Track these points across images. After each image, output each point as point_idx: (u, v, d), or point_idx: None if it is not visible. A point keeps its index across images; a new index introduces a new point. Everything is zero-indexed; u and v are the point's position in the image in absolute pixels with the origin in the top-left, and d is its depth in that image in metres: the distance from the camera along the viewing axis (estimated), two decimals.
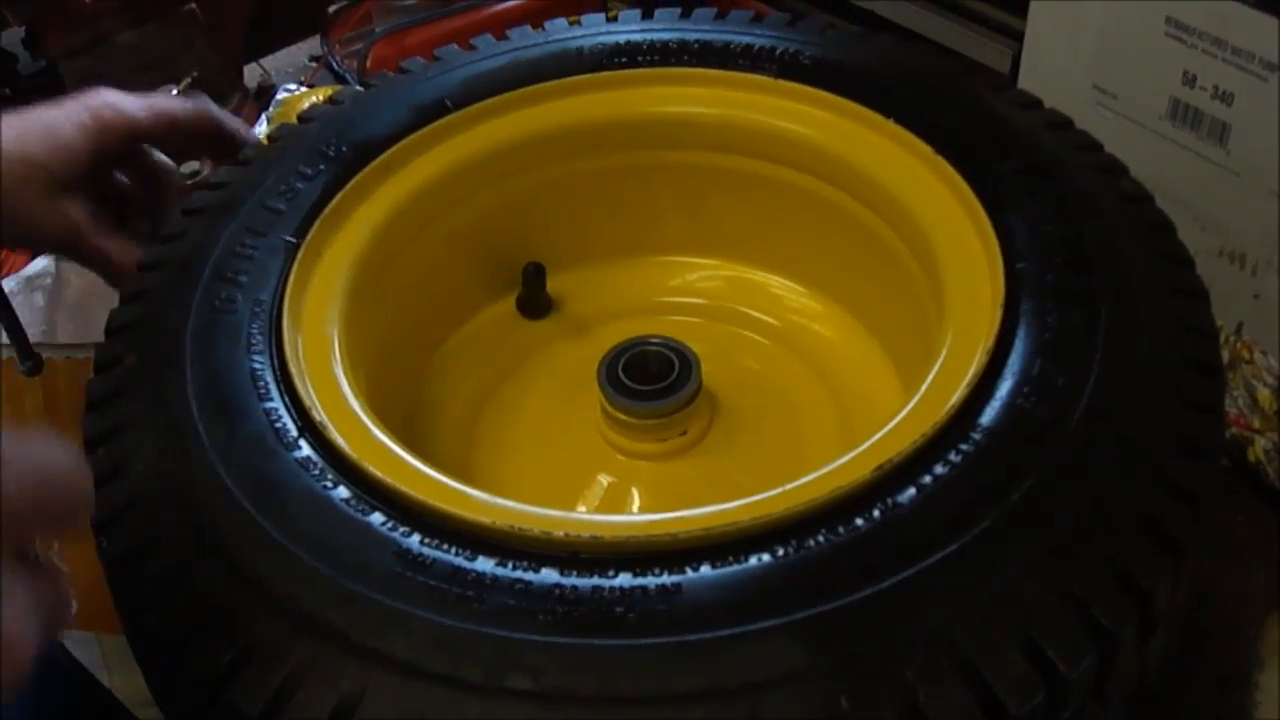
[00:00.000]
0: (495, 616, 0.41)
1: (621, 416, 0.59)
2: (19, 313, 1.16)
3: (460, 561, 0.43)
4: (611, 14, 0.72)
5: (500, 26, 1.06)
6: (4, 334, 1.22)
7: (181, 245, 0.59)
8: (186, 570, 0.44)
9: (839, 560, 0.43)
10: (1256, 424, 0.73)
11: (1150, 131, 0.78)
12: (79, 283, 1.46)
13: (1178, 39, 0.74)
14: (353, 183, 0.61)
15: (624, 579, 0.42)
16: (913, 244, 0.59)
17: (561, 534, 0.44)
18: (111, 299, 1.56)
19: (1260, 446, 0.72)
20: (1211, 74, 0.73)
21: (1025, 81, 0.84)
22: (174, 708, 0.47)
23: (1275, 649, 0.60)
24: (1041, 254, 0.54)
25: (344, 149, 0.63)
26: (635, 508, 0.60)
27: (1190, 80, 0.75)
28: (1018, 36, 0.88)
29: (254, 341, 0.53)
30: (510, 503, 0.46)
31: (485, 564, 0.43)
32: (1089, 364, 0.49)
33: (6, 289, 1.31)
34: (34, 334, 1.29)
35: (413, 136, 0.64)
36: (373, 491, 0.46)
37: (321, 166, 0.62)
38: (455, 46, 0.72)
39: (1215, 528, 0.69)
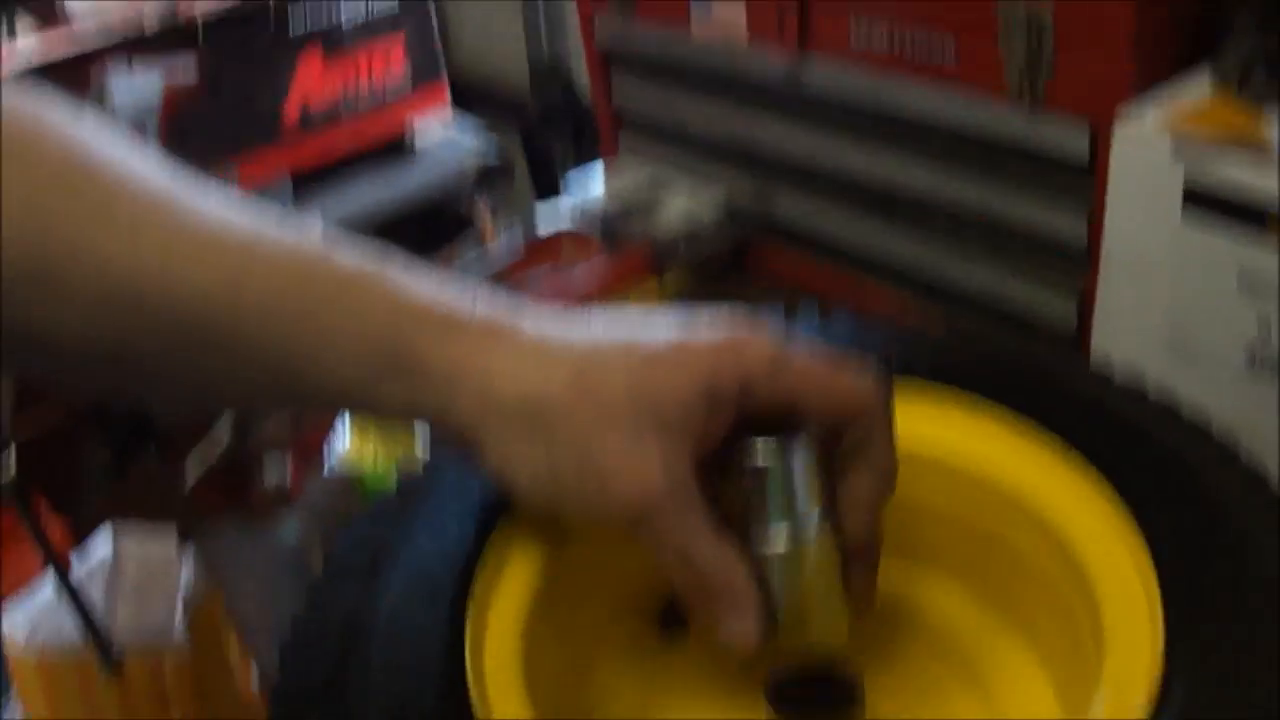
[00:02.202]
0: None
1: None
2: None
3: None
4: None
5: (570, 300, 1.10)
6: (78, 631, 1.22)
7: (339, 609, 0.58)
8: None
9: None
10: None
11: (1229, 383, 0.81)
12: (135, 571, 1.46)
13: (1252, 292, 0.77)
14: (503, 530, 0.61)
15: None
16: (1066, 561, 0.60)
17: None
18: (171, 588, 1.56)
19: None
20: None
21: (1098, 342, 0.88)
22: None
23: None
24: (1187, 555, 0.56)
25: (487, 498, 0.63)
26: None
27: (1266, 330, 0.78)
28: (1081, 295, 0.92)
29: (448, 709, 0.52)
30: None
31: None
32: (1246, 673, 0.50)
33: None
34: None
35: None
36: None
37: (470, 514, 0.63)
38: None
39: None
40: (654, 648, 0.68)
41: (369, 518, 0.64)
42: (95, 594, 1.43)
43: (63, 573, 1.17)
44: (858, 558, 0.58)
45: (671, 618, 0.68)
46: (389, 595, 0.59)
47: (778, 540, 0.55)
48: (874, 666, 0.64)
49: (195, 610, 1.28)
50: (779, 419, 0.54)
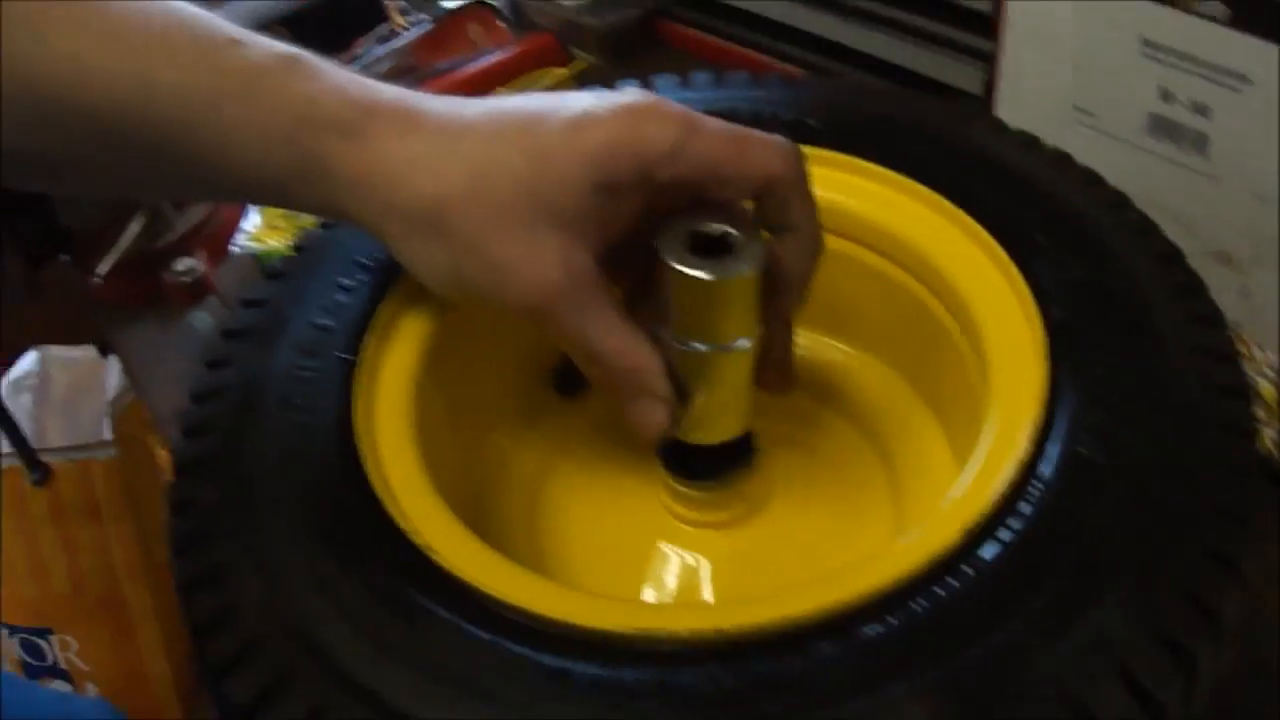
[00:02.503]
0: None
1: (683, 490, 0.62)
2: None
3: (598, 671, 0.45)
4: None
5: (471, 91, 1.08)
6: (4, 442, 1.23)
7: (233, 371, 0.60)
8: (325, 713, 0.45)
9: (945, 622, 0.45)
10: (1262, 416, 0.76)
11: (1131, 146, 0.81)
12: (65, 380, 1.46)
13: (1153, 58, 0.77)
14: (394, 292, 0.61)
15: (761, 666, 0.44)
16: (944, 296, 0.61)
17: (687, 631, 0.46)
18: (99, 395, 1.56)
19: (1268, 438, 0.75)
20: (1187, 89, 0.77)
21: (1003, 104, 0.88)
22: None
23: None
24: (1070, 299, 0.57)
25: (381, 257, 0.64)
26: (707, 577, 0.62)
27: (1168, 96, 0.78)
28: (987, 58, 0.92)
29: (335, 469, 0.54)
30: (630, 603, 0.48)
31: (624, 671, 0.45)
32: (1133, 405, 0.52)
33: None
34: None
35: None
36: (497, 613, 0.48)
37: (361, 277, 0.63)
38: None
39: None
40: (553, 409, 0.69)
41: (265, 282, 0.64)
42: (24, 406, 1.43)
43: None
44: (780, 341, 0.59)
45: (569, 380, 0.69)
46: (281, 358, 0.59)
47: (697, 346, 0.56)
48: (778, 429, 0.65)
49: (121, 415, 1.28)
50: (695, 194, 0.54)
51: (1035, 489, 0.50)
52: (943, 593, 0.46)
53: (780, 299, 0.57)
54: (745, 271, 0.53)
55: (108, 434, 1.30)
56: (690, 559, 0.63)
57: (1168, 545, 0.47)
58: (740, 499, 0.62)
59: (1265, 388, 0.77)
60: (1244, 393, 0.55)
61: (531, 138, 0.52)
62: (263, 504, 0.53)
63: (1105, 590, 0.46)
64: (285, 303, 0.63)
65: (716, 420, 0.59)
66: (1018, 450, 0.51)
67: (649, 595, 0.62)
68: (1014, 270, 0.58)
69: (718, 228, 0.54)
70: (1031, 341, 0.55)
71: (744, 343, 0.56)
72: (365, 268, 0.63)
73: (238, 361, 0.60)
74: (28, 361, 1.44)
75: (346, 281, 0.63)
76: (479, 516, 0.64)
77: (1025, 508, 0.49)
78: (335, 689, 0.46)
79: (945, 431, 0.65)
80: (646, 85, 0.72)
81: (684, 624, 0.46)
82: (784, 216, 0.55)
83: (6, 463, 1.27)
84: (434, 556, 0.50)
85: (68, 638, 1.38)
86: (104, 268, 1.03)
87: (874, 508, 0.64)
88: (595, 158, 0.51)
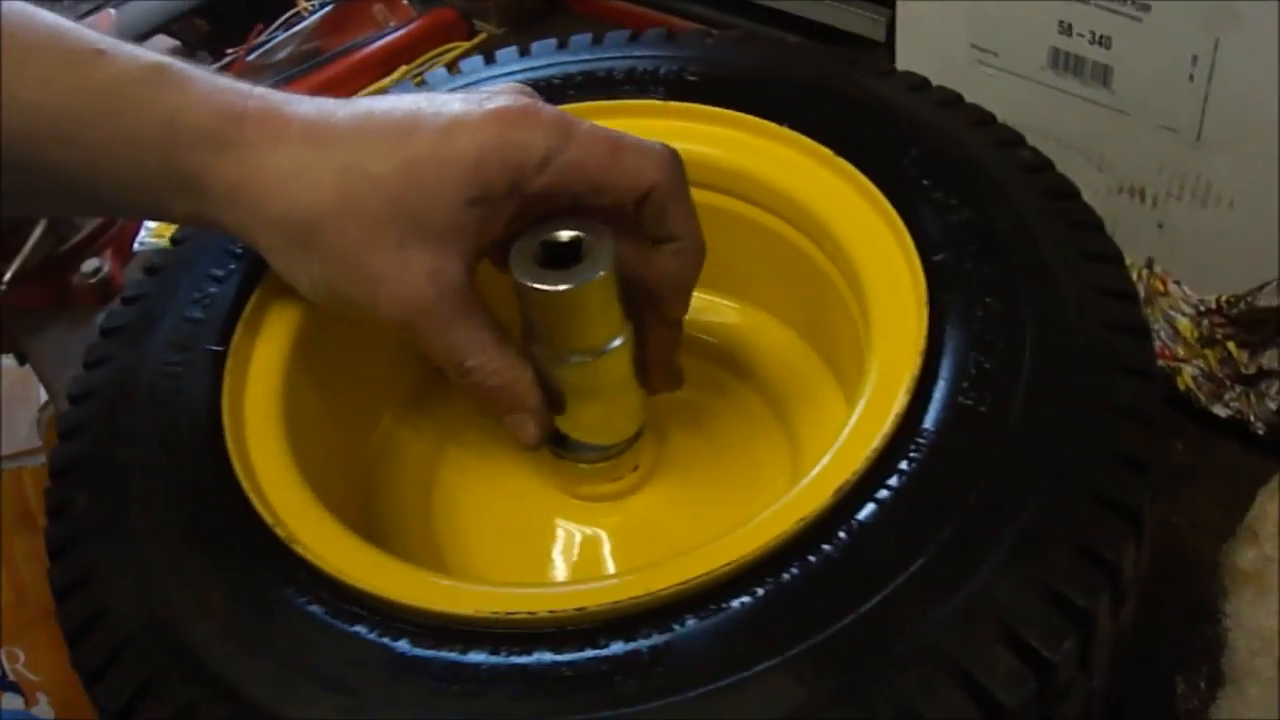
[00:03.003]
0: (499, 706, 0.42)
1: (569, 463, 0.60)
2: None
3: (455, 657, 0.43)
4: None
5: (376, 70, 1.06)
6: None
7: (108, 370, 0.58)
8: (191, 713, 0.44)
9: (817, 590, 0.43)
10: (1181, 353, 0.74)
11: (1034, 83, 0.79)
12: None
13: None
14: (265, 280, 0.60)
15: (616, 647, 0.43)
16: (827, 248, 0.60)
17: (546, 612, 0.44)
18: (30, 404, 1.54)
19: (1188, 374, 0.74)
20: (1086, 21, 0.75)
21: (903, 49, 0.86)
22: None
23: (1236, 575, 0.62)
24: (955, 243, 0.55)
25: None
26: (606, 550, 0.61)
27: (1067, 29, 0.76)
28: (889, 4, 0.90)
29: (202, 465, 0.52)
30: (490, 588, 0.47)
31: (479, 656, 0.43)
32: (1021, 349, 0.50)
33: None
34: None
35: None
36: (354, 600, 0.46)
37: (231, 266, 0.61)
38: None
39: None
40: (440, 392, 0.67)
41: (144, 277, 0.63)
42: None
43: None
44: (664, 342, 0.58)
45: None
46: (152, 354, 0.58)
47: (568, 356, 0.54)
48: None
49: (49, 422, 1.26)
50: (571, 200, 0.52)
51: (916, 444, 0.48)
52: (814, 559, 0.44)
53: (663, 305, 0.56)
54: (598, 275, 0.52)
55: (38, 441, 1.29)
56: (589, 533, 0.61)
57: (1057, 497, 0.45)
58: (630, 468, 0.61)
59: (1183, 324, 0.75)
60: (1143, 331, 0.53)
61: (400, 148, 0.51)
62: (134, 504, 0.52)
63: (989, 549, 0.44)
64: (160, 297, 0.61)
65: (606, 425, 0.58)
66: (895, 403, 0.49)
67: (553, 575, 0.61)
68: (895, 217, 0.56)
69: (566, 234, 0.53)
70: (913, 289, 0.54)
71: (616, 342, 0.54)
72: (236, 256, 0.62)
73: (113, 360, 0.59)
74: None
75: (218, 271, 0.61)
76: (371, 508, 0.63)
77: (904, 464, 0.47)
78: (201, 688, 0.44)
79: (842, 390, 0.63)
80: (525, 53, 0.70)
81: (544, 605, 0.44)
82: (663, 226, 0.54)
83: None
84: (297, 549, 0.48)
85: (15, 649, 1.37)
86: (7, 275, 1.01)
87: (772, 471, 0.62)
88: (464, 169, 0.50)
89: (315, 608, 0.46)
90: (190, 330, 0.58)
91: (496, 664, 0.43)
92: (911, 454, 0.47)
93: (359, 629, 0.45)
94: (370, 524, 0.61)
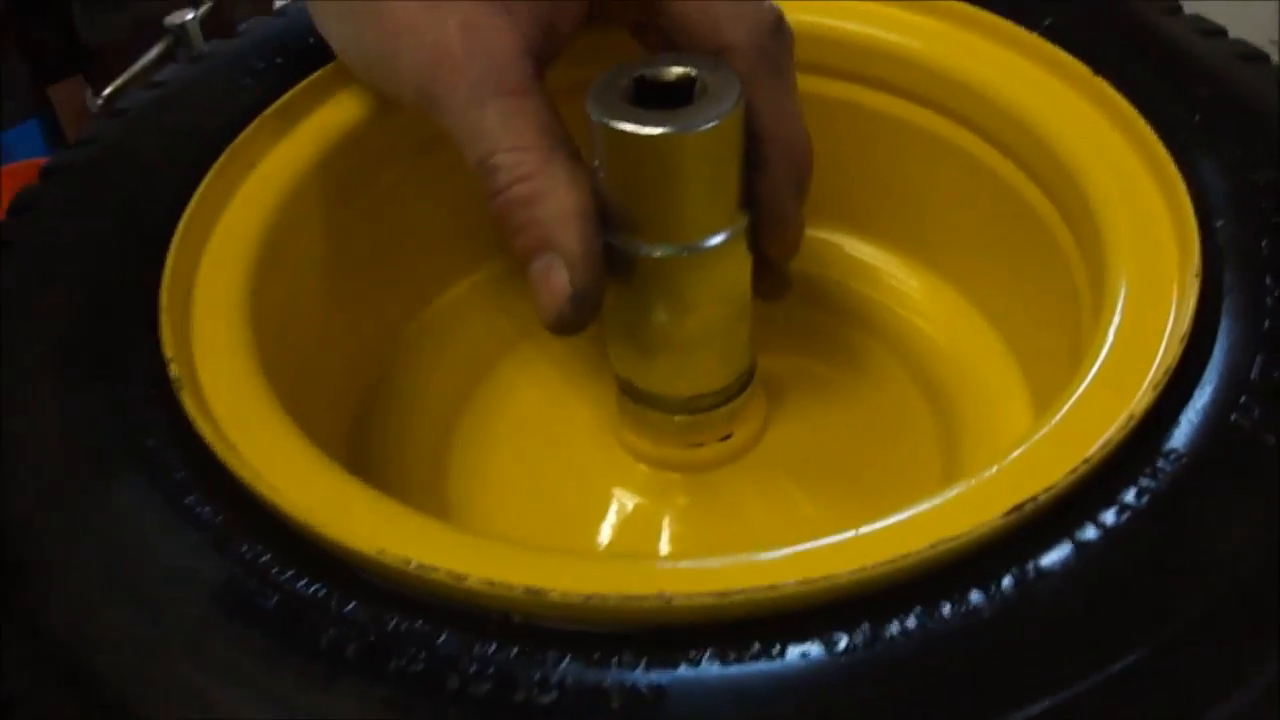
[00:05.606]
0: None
1: (640, 411, 0.44)
2: None
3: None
4: None
5: None
6: None
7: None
8: None
9: (939, 661, 0.27)
10: None
11: None
12: None
13: None
14: (306, 82, 0.46)
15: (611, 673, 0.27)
16: (1058, 193, 0.43)
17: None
18: None
19: None
20: None
21: None
22: None
23: None
24: (1245, 209, 0.38)
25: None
26: (664, 537, 0.45)
27: None
28: None
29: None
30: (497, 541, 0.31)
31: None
32: None
33: None
34: None
35: None
36: (314, 554, 0.31)
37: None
38: None
39: None
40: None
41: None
42: None
43: None
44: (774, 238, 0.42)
45: None
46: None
47: (653, 247, 0.39)
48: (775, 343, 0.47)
49: None
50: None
51: (1153, 467, 0.31)
52: (949, 612, 0.27)
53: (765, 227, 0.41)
54: (712, 123, 0.36)
55: None
56: (645, 508, 0.45)
57: None
58: (719, 435, 0.44)
59: None
60: None
61: None
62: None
63: (1240, 641, 0.27)
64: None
65: (694, 362, 0.42)
66: (1129, 405, 0.32)
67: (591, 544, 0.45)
68: (1168, 164, 0.39)
69: (673, 70, 0.38)
70: (1179, 261, 0.37)
71: (720, 236, 0.39)
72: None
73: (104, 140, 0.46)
74: None
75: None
76: (371, 427, 0.48)
77: (1132, 496, 0.30)
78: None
79: (1029, 388, 0.46)
80: None
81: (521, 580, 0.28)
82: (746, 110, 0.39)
83: None
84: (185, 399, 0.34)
85: None
86: (107, 91, 0.93)
87: (914, 476, 0.45)
88: None
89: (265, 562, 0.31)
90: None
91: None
92: (1143, 481, 0.31)
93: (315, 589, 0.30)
94: (368, 442, 0.46)
